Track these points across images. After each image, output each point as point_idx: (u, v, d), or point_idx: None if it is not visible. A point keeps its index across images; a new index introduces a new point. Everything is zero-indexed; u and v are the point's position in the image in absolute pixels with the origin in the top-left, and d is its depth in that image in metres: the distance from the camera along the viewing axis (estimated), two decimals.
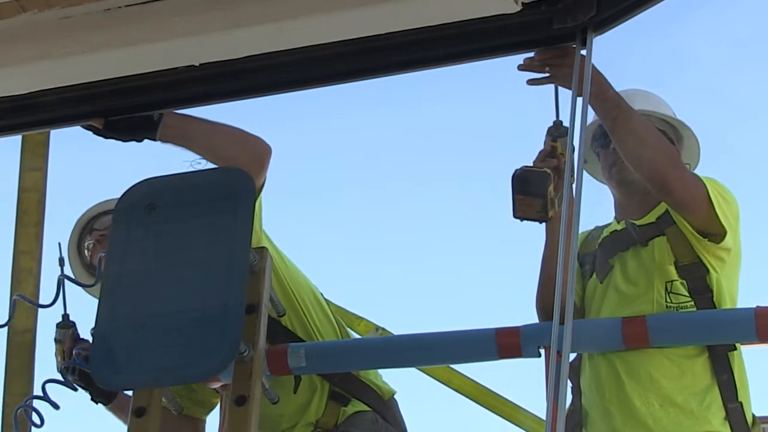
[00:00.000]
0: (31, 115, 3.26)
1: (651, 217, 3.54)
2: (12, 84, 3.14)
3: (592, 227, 3.76)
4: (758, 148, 7.41)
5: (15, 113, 3.25)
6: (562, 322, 2.60)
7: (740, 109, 7.66)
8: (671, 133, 3.65)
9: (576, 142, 2.97)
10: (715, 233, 3.40)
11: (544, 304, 3.44)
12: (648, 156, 3.32)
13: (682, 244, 3.44)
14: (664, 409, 3.36)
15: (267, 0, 2.78)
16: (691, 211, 3.40)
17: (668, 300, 3.42)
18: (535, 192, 3.13)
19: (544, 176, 3.12)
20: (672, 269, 3.44)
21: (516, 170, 3.15)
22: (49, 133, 4.57)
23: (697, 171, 3.68)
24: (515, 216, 3.14)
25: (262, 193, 3.49)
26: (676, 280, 3.43)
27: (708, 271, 3.42)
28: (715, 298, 3.42)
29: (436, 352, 3.52)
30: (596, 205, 3.65)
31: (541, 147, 3.32)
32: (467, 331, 3.51)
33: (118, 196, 3.64)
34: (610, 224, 3.70)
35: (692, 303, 3.41)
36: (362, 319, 5.25)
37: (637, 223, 3.56)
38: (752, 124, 7.69)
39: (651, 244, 3.51)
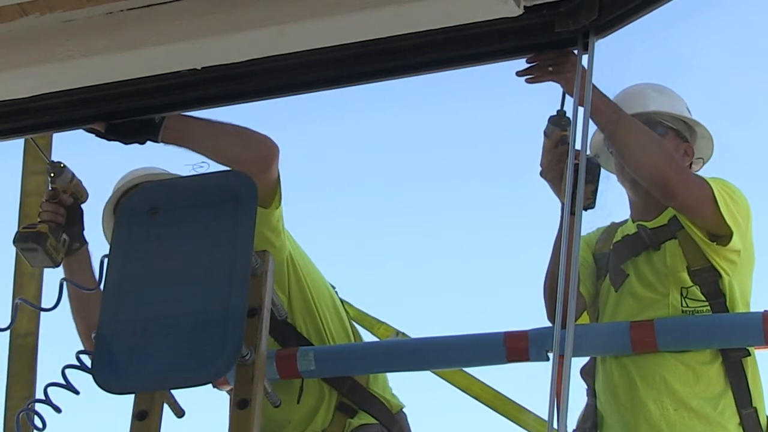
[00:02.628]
0: (34, 118, 3.26)
1: (663, 219, 3.52)
2: (14, 87, 3.14)
3: (608, 223, 3.75)
4: (761, 152, 7.41)
5: (17, 117, 3.26)
6: (564, 326, 2.59)
7: (743, 113, 7.66)
8: (684, 130, 3.65)
9: (580, 147, 2.96)
10: (724, 234, 3.38)
11: (552, 292, 3.42)
12: (648, 162, 3.32)
13: (693, 248, 3.42)
14: (679, 414, 3.34)
15: (268, 4, 2.78)
16: (696, 214, 3.39)
17: (684, 304, 3.41)
18: (591, 179, 3.23)
19: (596, 162, 3.23)
20: (685, 275, 3.43)
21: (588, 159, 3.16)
22: (51, 136, 4.57)
23: (701, 172, 3.67)
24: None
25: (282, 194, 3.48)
26: (692, 286, 3.42)
27: (720, 275, 3.41)
28: (728, 303, 3.40)
29: (444, 355, 3.52)
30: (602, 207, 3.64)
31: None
32: (475, 334, 3.51)
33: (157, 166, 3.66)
34: (626, 222, 3.69)
35: (708, 307, 3.40)
36: (382, 323, 5.21)
37: (649, 225, 3.55)
38: (755, 127, 7.69)
39: (663, 248, 3.49)
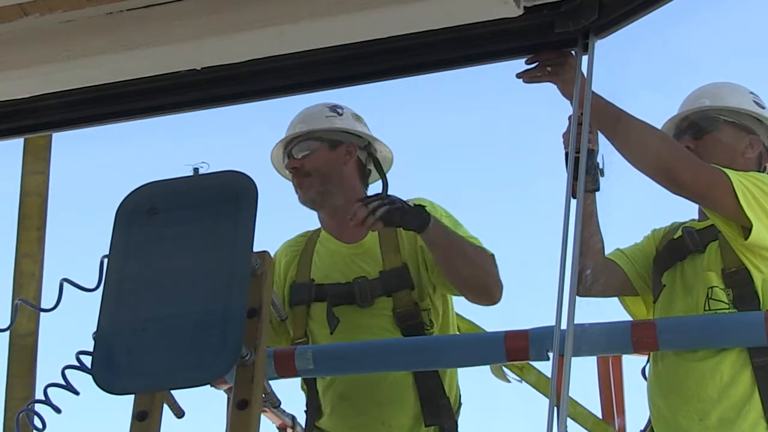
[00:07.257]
0: (34, 118, 3.27)
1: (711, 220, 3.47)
2: (14, 87, 3.14)
3: (687, 219, 3.72)
4: None
5: (17, 117, 3.26)
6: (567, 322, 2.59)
7: None
8: (753, 124, 3.60)
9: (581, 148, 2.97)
10: (748, 227, 3.30)
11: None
12: (650, 154, 3.27)
13: (730, 249, 3.38)
14: (704, 424, 3.34)
15: (268, 4, 2.78)
16: (711, 202, 3.33)
17: (706, 306, 3.39)
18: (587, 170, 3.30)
19: (592, 154, 3.31)
20: (714, 275, 3.40)
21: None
22: (51, 136, 4.57)
23: None
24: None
25: None
26: (717, 287, 3.39)
27: (752, 278, 3.35)
28: (762, 306, 3.34)
29: (443, 355, 3.51)
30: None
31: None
32: (475, 334, 3.51)
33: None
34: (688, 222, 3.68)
35: (733, 311, 3.36)
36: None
37: (698, 226, 3.54)
38: None
39: (707, 250, 3.48)
